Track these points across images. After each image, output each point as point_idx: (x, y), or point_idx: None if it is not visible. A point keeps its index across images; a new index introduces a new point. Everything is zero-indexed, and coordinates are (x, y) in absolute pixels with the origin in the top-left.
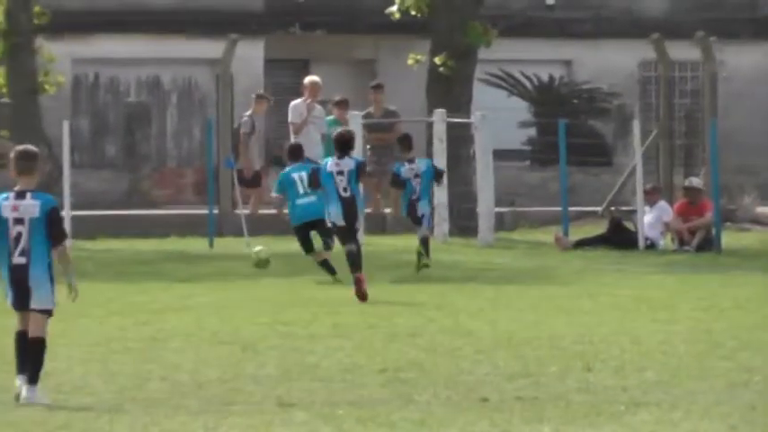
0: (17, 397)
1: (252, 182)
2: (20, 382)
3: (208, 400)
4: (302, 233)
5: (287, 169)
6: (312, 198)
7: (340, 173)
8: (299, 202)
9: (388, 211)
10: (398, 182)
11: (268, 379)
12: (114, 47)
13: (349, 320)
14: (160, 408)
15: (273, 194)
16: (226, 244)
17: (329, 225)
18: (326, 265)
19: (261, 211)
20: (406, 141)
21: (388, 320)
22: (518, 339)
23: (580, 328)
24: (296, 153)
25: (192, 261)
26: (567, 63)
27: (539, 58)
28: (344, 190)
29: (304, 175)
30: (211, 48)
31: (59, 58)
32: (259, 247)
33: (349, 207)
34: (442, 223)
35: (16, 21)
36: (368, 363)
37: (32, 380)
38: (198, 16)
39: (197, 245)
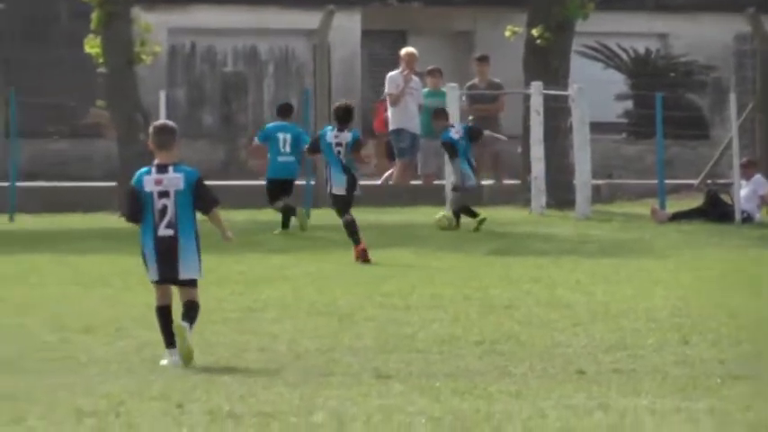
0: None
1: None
2: (168, 357)
3: (305, 371)
4: (273, 186)
5: (272, 124)
6: (290, 158)
7: (339, 144)
8: (280, 159)
9: (487, 182)
10: (453, 148)
11: (365, 350)
12: (211, 16)
13: (445, 292)
14: (257, 378)
15: (256, 141)
16: (323, 215)
17: (329, 193)
18: (285, 214)
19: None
20: (443, 113)
21: (484, 292)
22: (615, 312)
23: (677, 301)
24: (284, 111)
25: (290, 232)
26: (663, 36)
27: (635, 30)
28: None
29: (288, 136)
30: (308, 18)
31: (156, 27)
32: (442, 213)
33: (351, 178)
34: (539, 196)
35: None
36: (464, 334)
37: (192, 321)
38: None
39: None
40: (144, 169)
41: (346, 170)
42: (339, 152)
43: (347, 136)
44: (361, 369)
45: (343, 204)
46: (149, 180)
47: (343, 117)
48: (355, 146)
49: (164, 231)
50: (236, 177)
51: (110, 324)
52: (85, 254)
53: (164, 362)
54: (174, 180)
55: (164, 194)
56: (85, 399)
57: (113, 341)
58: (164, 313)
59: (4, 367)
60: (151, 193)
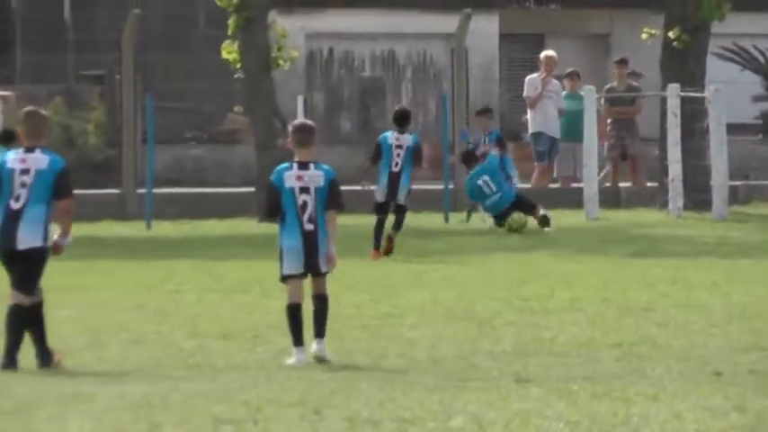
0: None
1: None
2: (294, 356)
3: (444, 377)
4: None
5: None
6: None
7: (399, 146)
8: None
9: (625, 185)
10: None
11: (504, 355)
12: (348, 21)
13: (584, 295)
14: (396, 384)
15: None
16: (461, 219)
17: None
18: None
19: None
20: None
21: (622, 295)
22: (751, 313)
23: None
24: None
25: (427, 236)
26: None
27: None
28: (396, 165)
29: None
30: (446, 22)
31: (293, 32)
32: (517, 214)
33: (393, 183)
34: (676, 198)
35: None
36: (602, 338)
37: (322, 333)
38: None
39: (432, 220)
40: (283, 165)
41: (393, 177)
42: (399, 154)
43: (408, 139)
44: (499, 373)
45: (382, 212)
46: (290, 176)
47: (401, 120)
48: (415, 151)
49: (307, 226)
50: (375, 182)
51: (247, 330)
52: (223, 260)
53: (290, 360)
54: (315, 177)
55: (305, 190)
56: (223, 406)
57: (251, 347)
58: (295, 311)
59: (141, 374)
60: (292, 189)
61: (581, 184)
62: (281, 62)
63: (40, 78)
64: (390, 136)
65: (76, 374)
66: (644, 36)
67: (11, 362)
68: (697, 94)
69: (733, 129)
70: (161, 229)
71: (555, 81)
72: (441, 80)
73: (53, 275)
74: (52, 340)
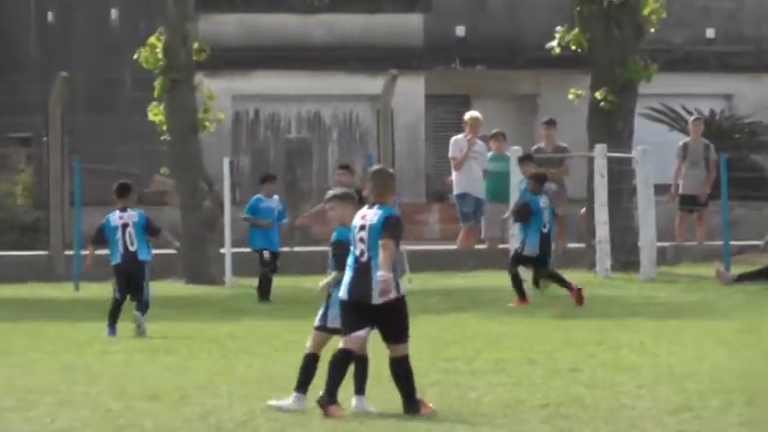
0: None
1: None
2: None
3: None
4: None
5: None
6: None
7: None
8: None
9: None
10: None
11: (430, 415)
12: (274, 83)
13: (510, 356)
14: None
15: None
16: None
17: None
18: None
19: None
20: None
21: (548, 356)
22: (679, 373)
23: (742, 363)
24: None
25: None
26: (728, 97)
27: (699, 92)
28: (544, 225)
29: None
30: (372, 83)
31: (219, 94)
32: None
33: (546, 240)
34: (603, 258)
35: (175, 57)
36: (529, 398)
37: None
38: (358, 52)
39: None
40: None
41: (542, 235)
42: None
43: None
44: None
45: (536, 263)
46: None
47: (543, 180)
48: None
49: None
50: (302, 244)
51: (174, 392)
52: (150, 321)
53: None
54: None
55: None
56: None
57: (178, 408)
58: (312, 360)
59: None
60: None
61: (508, 245)
62: (207, 124)
63: None
64: (541, 201)
65: None
66: (570, 96)
67: (414, 406)
68: (624, 155)
69: (662, 189)
70: (89, 290)
71: (480, 142)
72: (367, 141)
73: None
74: None
